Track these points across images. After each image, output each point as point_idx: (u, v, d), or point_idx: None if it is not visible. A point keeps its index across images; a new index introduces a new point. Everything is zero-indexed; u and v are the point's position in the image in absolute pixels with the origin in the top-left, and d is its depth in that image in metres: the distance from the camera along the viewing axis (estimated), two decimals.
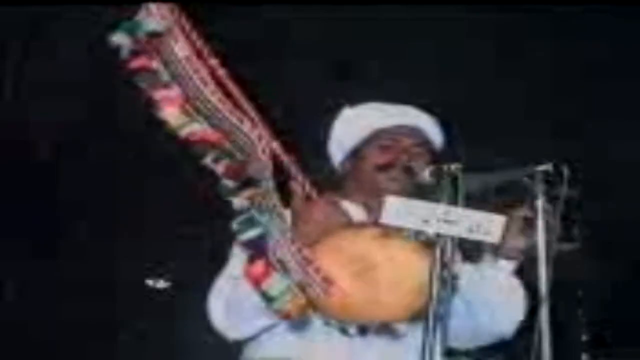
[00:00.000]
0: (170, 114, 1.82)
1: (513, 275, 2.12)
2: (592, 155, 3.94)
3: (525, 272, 2.10)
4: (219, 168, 1.85)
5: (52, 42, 4.31)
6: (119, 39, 1.80)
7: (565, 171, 1.85)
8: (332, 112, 2.35)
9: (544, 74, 4.33)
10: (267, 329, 2.06)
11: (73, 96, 4.46)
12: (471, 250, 2.12)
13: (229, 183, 1.85)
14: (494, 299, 2.10)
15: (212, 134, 1.85)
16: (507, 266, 2.11)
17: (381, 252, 1.96)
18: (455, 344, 2.14)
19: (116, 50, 1.80)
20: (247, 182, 1.86)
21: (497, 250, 2.08)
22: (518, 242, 2.04)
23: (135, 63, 1.80)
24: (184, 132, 1.84)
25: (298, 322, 1.96)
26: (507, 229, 1.95)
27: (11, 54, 4.32)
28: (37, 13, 4.14)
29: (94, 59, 4.21)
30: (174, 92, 1.83)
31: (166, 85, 1.82)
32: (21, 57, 4.35)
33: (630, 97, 4.31)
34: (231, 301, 2.02)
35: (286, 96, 4.16)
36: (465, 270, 2.09)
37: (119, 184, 4.77)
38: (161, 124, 1.83)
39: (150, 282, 5.29)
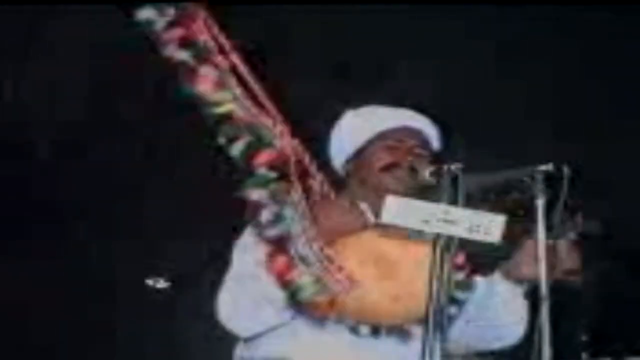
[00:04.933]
0: (206, 90, 1.82)
1: (523, 297, 2.12)
2: (592, 156, 3.94)
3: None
4: (259, 156, 1.85)
5: (52, 42, 4.30)
6: (148, 13, 1.79)
7: (566, 171, 1.85)
8: (331, 112, 2.35)
9: (544, 74, 4.32)
10: (275, 328, 2.06)
11: (73, 96, 4.46)
12: (483, 266, 2.12)
13: (269, 173, 1.85)
14: (502, 316, 2.11)
15: (244, 116, 1.85)
16: (516, 289, 2.11)
17: (399, 252, 1.97)
18: (453, 346, 2.14)
19: (147, 26, 1.78)
20: (285, 176, 1.86)
21: (508, 272, 2.09)
22: (531, 270, 1.96)
23: (174, 33, 1.79)
24: (222, 110, 1.83)
25: (323, 318, 1.97)
26: (525, 255, 1.99)
27: (11, 54, 4.32)
28: (37, 13, 4.13)
29: (94, 58, 4.22)
30: (209, 70, 1.82)
31: (207, 59, 1.81)
32: (21, 57, 4.35)
33: (631, 97, 4.31)
34: (241, 298, 2.02)
35: (285, 96, 4.15)
36: (477, 281, 2.11)
37: (119, 184, 4.77)
38: (195, 99, 1.81)
39: (150, 281, 5.29)
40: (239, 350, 2.17)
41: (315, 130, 2.34)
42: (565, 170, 1.85)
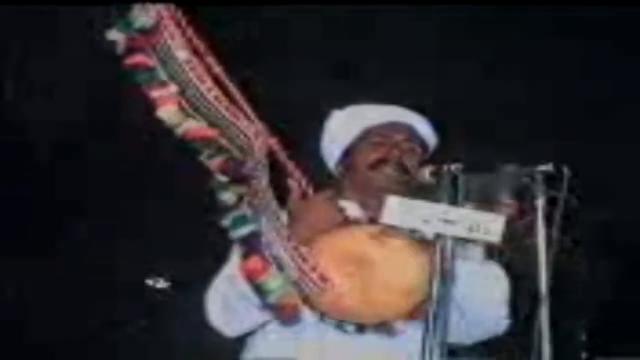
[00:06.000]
0: (166, 112, 1.83)
1: (486, 260, 2.10)
2: (592, 156, 3.94)
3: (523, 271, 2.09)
4: (213, 164, 1.86)
5: (52, 42, 4.31)
6: (114, 35, 1.81)
7: (566, 171, 1.85)
8: (331, 112, 2.35)
9: (544, 74, 4.33)
10: (262, 326, 2.06)
11: (73, 96, 4.46)
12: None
13: (222, 178, 1.86)
14: (474, 286, 2.04)
15: (208, 131, 1.86)
16: (478, 252, 2.08)
17: (376, 250, 1.96)
18: (451, 340, 2.12)
19: (113, 47, 1.81)
20: (241, 180, 1.86)
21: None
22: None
23: (132, 60, 1.81)
24: (180, 130, 1.85)
25: (291, 320, 1.96)
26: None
27: (11, 54, 4.32)
28: (37, 12, 4.14)
29: (93, 58, 4.22)
30: (170, 89, 1.84)
31: (162, 84, 1.83)
32: (21, 57, 4.35)
33: (631, 97, 4.31)
34: (226, 298, 2.03)
35: (285, 96, 4.17)
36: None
37: (119, 184, 4.77)
38: (160, 120, 1.84)
39: (150, 281, 5.29)
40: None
41: (313, 130, 2.35)
42: (565, 170, 1.85)
